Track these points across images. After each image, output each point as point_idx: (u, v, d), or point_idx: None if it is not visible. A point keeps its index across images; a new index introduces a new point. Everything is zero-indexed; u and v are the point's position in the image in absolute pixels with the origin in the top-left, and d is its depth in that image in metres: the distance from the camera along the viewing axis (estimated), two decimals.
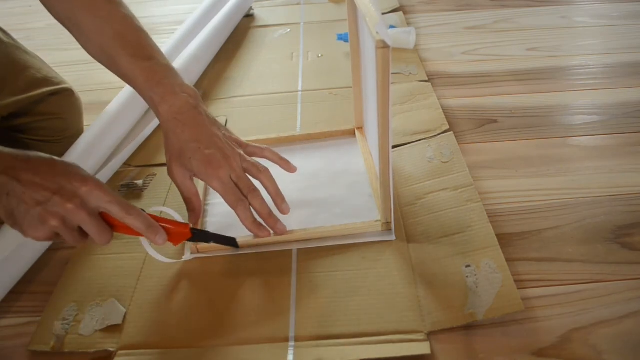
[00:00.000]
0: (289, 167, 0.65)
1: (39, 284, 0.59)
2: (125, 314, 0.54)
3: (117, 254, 0.62)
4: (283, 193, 0.60)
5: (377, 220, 0.60)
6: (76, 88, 0.80)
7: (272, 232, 0.59)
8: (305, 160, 0.72)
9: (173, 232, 0.54)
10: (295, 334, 0.50)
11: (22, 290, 0.58)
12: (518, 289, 0.53)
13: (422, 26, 1.16)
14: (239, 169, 0.58)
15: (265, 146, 0.64)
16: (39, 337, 0.52)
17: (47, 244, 0.63)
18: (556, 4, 1.24)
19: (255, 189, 0.58)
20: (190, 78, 0.92)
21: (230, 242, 0.59)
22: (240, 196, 0.57)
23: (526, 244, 0.59)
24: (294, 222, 0.61)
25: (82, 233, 0.49)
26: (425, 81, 0.92)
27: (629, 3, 1.20)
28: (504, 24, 1.15)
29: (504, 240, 0.59)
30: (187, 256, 0.60)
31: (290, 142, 0.76)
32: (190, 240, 0.56)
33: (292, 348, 0.49)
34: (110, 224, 0.50)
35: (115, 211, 0.48)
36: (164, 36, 1.19)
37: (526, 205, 0.65)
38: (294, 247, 0.60)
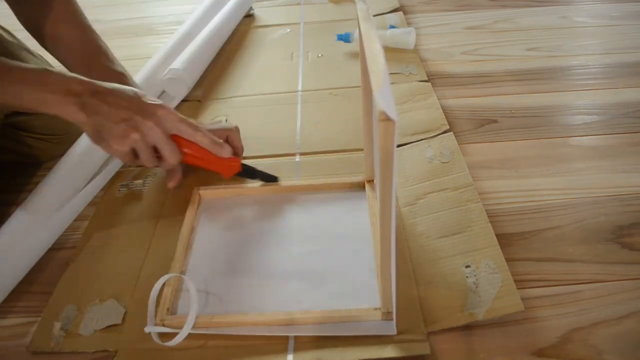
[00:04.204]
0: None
1: (39, 284, 0.59)
2: (125, 313, 0.54)
3: (117, 254, 0.62)
4: (277, 257, 0.58)
5: (376, 308, 0.51)
6: None
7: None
8: (306, 217, 0.64)
9: (226, 164, 0.62)
10: (295, 333, 0.50)
11: (22, 291, 0.58)
12: (518, 289, 0.53)
13: (422, 26, 1.16)
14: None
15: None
16: (39, 337, 0.52)
17: (47, 244, 0.63)
18: (556, 4, 1.24)
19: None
20: (190, 78, 0.92)
21: (272, 178, 0.67)
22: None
23: (526, 244, 0.59)
24: (283, 297, 0.54)
25: (155, 155, 0.57)
26: (425, 81, 0.92)
27: (629, 3, 1.20)
28: (504, 24, 1.15)
29: (504, 240, 0.59)
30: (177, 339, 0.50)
31: (289, 191, 0.68)
32: (238, 174, 0.65)
33: (292, 348, 0.49)
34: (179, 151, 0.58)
35: (185, 130, 0.57)
36: (164, 36, 1.18)
37: (526, 205, 0.65)
38: (280, 332, 0.51)
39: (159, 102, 0.57)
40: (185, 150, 0.59)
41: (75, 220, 0.68)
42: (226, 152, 0.60)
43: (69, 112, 0.54)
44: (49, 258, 0.62)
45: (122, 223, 0.66)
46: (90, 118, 0.54)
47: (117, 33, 1.24)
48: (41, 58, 0.77)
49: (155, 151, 0.57)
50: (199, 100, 0.92)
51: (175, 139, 0.57)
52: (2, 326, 0.55)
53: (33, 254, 0.61)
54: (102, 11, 1.40)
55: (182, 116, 0.57)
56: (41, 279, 0.60)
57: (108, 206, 0.69)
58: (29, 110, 0.57)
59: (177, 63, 0.91)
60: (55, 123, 0.76)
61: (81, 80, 0.55)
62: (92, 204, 0.70)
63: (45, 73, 0.54)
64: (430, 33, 1.13)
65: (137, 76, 0.89)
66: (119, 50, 1.20)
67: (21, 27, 0.73)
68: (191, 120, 0.58)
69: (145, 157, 0.57)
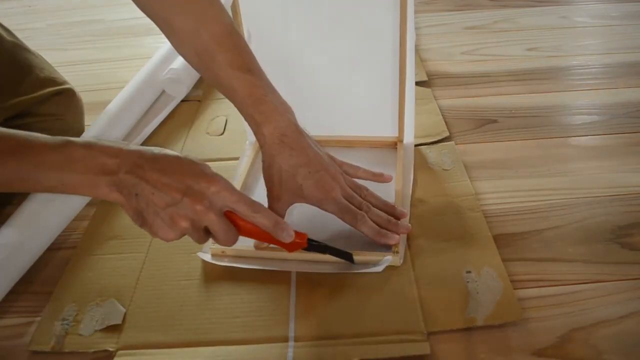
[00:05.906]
0: (382, 179, 0.64)
1: (39, 284, 0.59)
2: (125, 313, 0.54)
3: (117, 254, 0.62)
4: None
5: (390, 252, 0.56)
6: (76, 88, 0.80)
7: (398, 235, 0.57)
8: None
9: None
10: (295, 334, 0.51)
11: (22, 290, 0.58)
12: (518, 289, 0.53)
13: (422, 26, 1.16)
14: (347, 187, 0.57)
15: (357, 165, 0.62)
16: (39, 337, 0.52)
17: (46, 244, 0.63)
18: (556, 4, 1.24)
19: (366, 202, 0.58)
20: (190, 78, 0.92)
21: (346, 256, 0.55)
22: (357, 212, 0.56)
23: (526, 244, 0.59)
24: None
25: (208, 232, 0.48)
26: (425, 84, 0.92)
27: (629, 3, 1.20)
28: (504, 24, 1.15)
29: (504, 240, 0.59)
30: (204, 256, 0.58)
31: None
32: (305, 249, 0.53)
33: (292, 348, 0.49)
34: (235, 225, 0.49)
35: (242, 210, 0.47)
36: (164, 36, 1.18)
37: (526, 205, 0.64)
38: (294, 268, 0.57)
39: (210, 172, 0.47)
40: (242, 228, 0.49)
41: (75, 220, 0.68)
42: (288, 236, 0.49)
43: (102, 194, 0.44)
44: (49, 258, 0.62)
45: (122, 223, 0.66)
46: (129, 200, 0.44)
47: (117, 33, 1.24)
48: (41, 57, 0.77)
49: (207, 230, 0.48)
50: (199, 100, 0.92)
51: (229, 215, 0.48)
52: (1, 326, 0.55)
53: (31, 254, 0.61)
54: (102, 11, 1.39)
55: (238, 192, 0.47)
56: (41, 278, 0.60)
57: (108, 206, 0.69)
58: (52, 193, 0.46)
59: (177, 63, 0.91)
60: (56, 125, 0.76)
61: (115, 150, 0.44)
62: (92, 204, 0.70)
63: (69, 146, 0.43)
64: (430, 33, 1.13)
65: (137, 76, 0.89)
66: (119, 50, 1.21)
67: (17, 27, 0.72)
68: (248, 198, 0.48)
69: (196, 239, 0.48)
